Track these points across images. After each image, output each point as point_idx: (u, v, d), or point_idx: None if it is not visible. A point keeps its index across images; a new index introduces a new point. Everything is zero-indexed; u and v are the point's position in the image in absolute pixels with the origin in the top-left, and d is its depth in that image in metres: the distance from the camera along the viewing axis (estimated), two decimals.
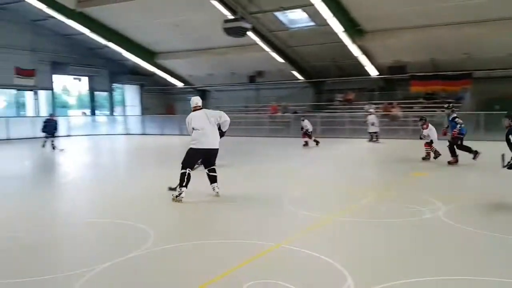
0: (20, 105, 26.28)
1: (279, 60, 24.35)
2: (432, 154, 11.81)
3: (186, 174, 7.12)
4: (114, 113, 31.24)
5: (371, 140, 18.31)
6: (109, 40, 25.59)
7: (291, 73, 25.77)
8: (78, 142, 22.49)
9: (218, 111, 7.56)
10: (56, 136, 17.32)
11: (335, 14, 19.39)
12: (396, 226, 5.69)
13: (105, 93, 30.78)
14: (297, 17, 21.77)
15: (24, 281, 4.00)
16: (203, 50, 26.00)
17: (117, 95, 31.96)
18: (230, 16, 20.37)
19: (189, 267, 4.31)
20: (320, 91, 27.06)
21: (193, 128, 7.26)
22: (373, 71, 23.92)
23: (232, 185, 8.68)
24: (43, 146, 17.01)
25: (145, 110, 31.77)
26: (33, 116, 24.96)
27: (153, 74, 30.19)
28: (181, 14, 22.15)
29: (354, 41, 21.31)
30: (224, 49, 25.06)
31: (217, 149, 7.39)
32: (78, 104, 30.37)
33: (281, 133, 22.77)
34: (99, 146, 21.31)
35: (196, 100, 7.52)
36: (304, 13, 20.81)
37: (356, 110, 22.35)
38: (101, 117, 30.43)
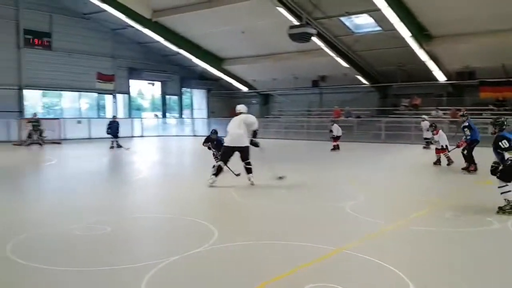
0: (100, 107, 27.98)
1: (344, 64, 23.94)
2: (445, 161, 11.89)
3: (217, 166, 8.74)
4: (183, 116, 32.36)
5: (427, 146, 17.73)
6: (181, 48, 26.54)
7: (356, 77, 25.23)
8: (150, 142, 23.55)
9: (252, 120, 8.86)
10: (119, 137, 18.31)
11: (402, 19, 18.72)
12: (462, 236, 5.38)
13: (175, 97, 31.96)
14: (363, 22, 21.26)
15: (98, 269, 4.22)
16: (268, 56, 26.19)
17: (186, 98, 33.07)
18: (295, 22, 20.34)
19: (250, 266, 4.34)
20: (385, 95, 26.24)
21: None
22: (441, 77, 22.81)
23: (294, 188, 8.67)
24: (112, 147, 18.00)
25: (211, 113, 32.57)
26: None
27: (219, 79, 30.85)
28: (247, 21, 22.48)
29: (421, 46, 20.46)
30: (288, 54, 25.07)
31: (244, 147, 8.71)
32: (151, 107, 31.77)
33: (344, 138, 22.31)
34: (168, 147, 22.17)
35: (239, 107, 9.14)
36: (370, 18, 20.29)
37: (423, 115, 21.37)
38: (171, 119, 31.61)
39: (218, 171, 8.65)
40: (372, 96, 26.24)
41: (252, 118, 8.98)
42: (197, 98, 33.48)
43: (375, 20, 20.19)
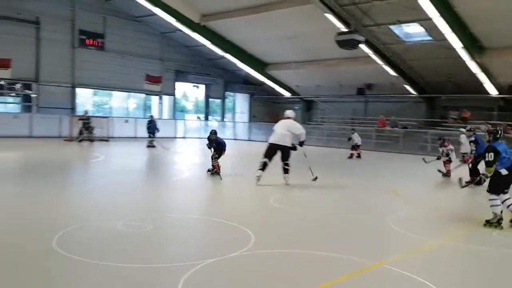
0: (147, 108, 28.82)
1: (391, 73, 23.41)
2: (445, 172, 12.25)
3: (263, 162, 9.51)
4: (225, 119, 32.73)
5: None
6: (226, 52, 26.89)
7: (403, 86, 24.60)
8: (191, 143, 23.94)
9: (297, 126, 9.89)
10: (155, 136, 18.72)
11: (454, 29, 18.09)
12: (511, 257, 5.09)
13: (218, 100, 32.41)
14: (413, 31, 20.71)
15: (136, 266, 4.31)
16: (313, 62, 26.02)
17: (228, 102, 33.47)
18: (343, 28, 20.13)
19: (286, 275, 4.29)
20: (433, 107, 25.40)
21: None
22: (492, 90, 21.83)
23: (334, 197, 8.55)
24: (149, 146, 18.43)
25: (253, 117, 32.76)
26: (157, 119, 27.31)
27: (262, 84, 30.96)
28: (294, 27, 22.46)
29: (473, 58, 19.68)
30: (335, 61, 24.81)
31: (284, 146, 9.56)
32: (194, 109, 32.37)
33: (388, 148, 21.88)
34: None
35: (288, 112, 10.12)
36: (421, 27, 19.75)
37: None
38: (213, 122, 32.00)
39: (263, 166, 9.51)
40: (419, 106, 25.49)
41: (297, 125, 9.96)
42: (240, 102, 33.78)
43: (426, 29, 19.63)
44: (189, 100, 32.63)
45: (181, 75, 29.02)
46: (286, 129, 9.67)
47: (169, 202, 7.98)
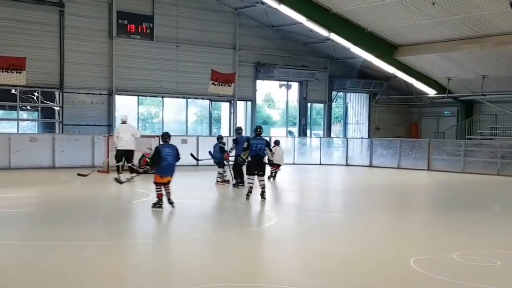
0: (213, 120, 29.47)
1: None
2: None
3: (116, 165, 17.69)
4: (332, 134, 32.58)
5: None
6: (333, 30, 26.71)
7: None
8: (282, 171, 23.29)
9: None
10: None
11: None
12: None
13: (320, 105, 32.63)
14: None
15: None
16: (474, 39, 25.24)
17: (336, 107, 33.43)
18: None
19: None
20: None
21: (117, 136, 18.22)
22: None
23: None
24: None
25: (376, 129, 32.39)
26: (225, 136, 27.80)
27: (390, 78, 30.79)
28: None
29: None
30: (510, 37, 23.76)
31: (131, 150, 18.14)
32: (283, 120, 32.51)
33: None
34: (308, 181, 22.20)
35: (125, 116, 18.68)
36: None
37: None
38: (314, 138, 31.92)
39: (119, 169, 17.88)
40: None
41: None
42: (355, 106, 33.83)
43: None
44: (275, 107, 32.81)
45: (263, 70, 29.38)
46: (131, 133, 17.99)
47: (249, 265, 8.09)
